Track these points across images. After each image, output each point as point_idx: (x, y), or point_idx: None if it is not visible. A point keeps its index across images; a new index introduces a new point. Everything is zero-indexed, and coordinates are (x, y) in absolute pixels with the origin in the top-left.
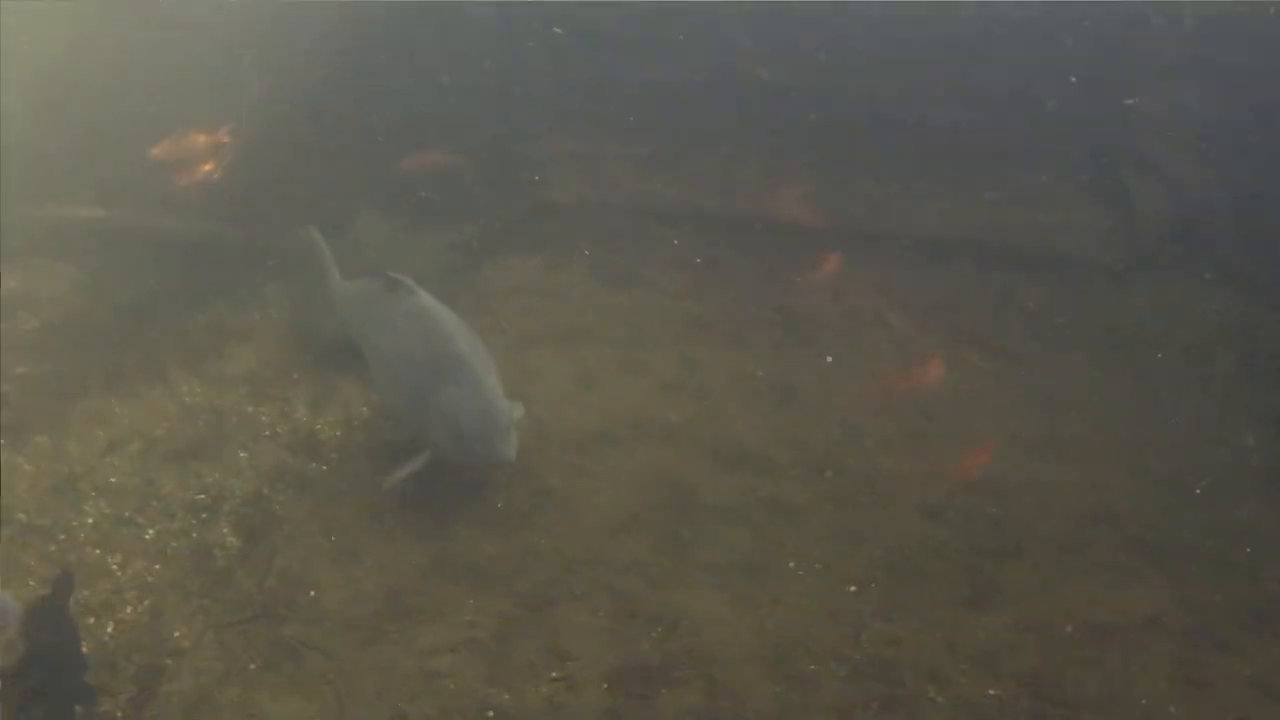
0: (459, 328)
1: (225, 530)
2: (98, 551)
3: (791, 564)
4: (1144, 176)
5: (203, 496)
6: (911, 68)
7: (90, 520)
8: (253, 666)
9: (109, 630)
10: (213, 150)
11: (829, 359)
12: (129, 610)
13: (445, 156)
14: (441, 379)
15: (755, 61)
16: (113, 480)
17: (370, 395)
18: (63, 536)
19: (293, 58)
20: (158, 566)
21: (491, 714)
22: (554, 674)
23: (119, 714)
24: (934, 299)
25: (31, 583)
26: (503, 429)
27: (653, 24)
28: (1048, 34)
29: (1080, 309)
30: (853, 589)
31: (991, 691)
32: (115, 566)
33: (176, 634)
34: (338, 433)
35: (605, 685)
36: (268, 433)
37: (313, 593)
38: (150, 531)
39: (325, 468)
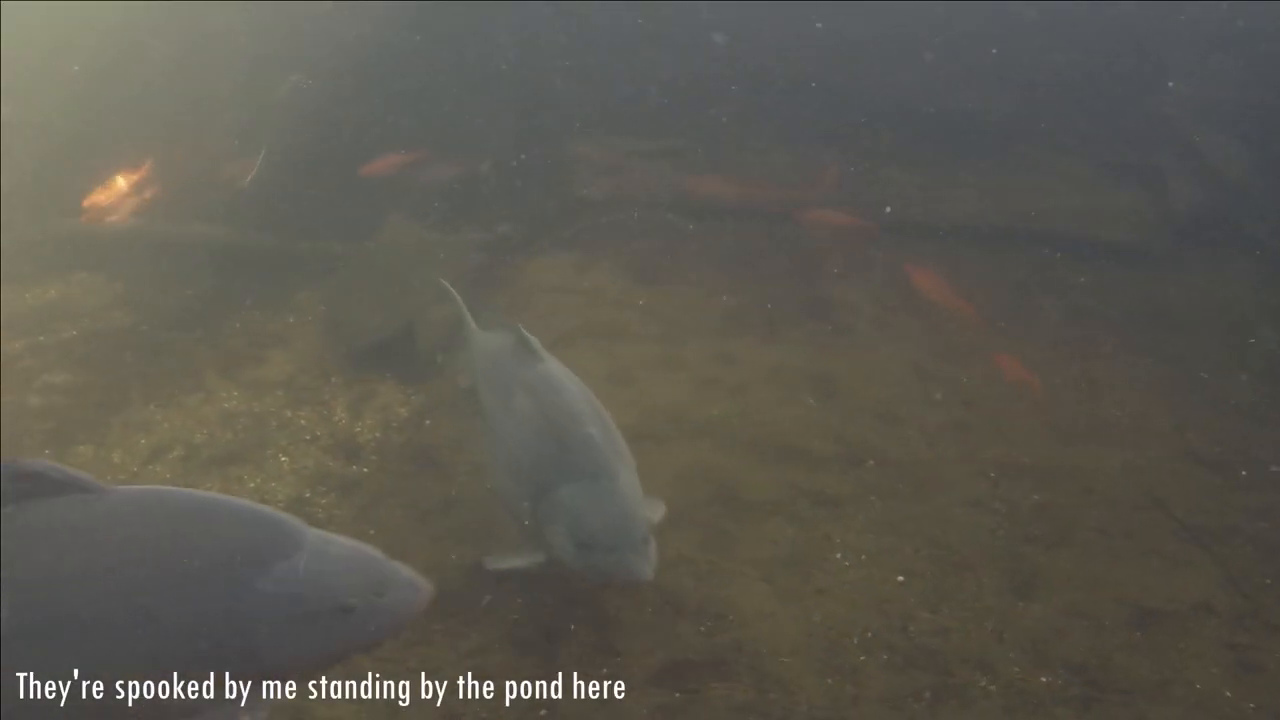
0: (590, 406)
1: None
2: None
3: (838, 555)
4: (1180, 159)
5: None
6: (941, 56)
7: None
8: None
9: None
10: (138, 187)
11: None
12: None
13: (409, 156)
14: (566, 470)
15: (781, 53)
16: None
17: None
18: None
19: (317, 63)
20: None
21: (544, 713)
22: (604, 670)
23: None
24: (969, 286)
25: None
26: (639, 540)
27: (679, 19)
28: (1080, 15)
29: (1118, 293)
30: (899, 579)
31: (1043, 679)
32: None
33: None
34: (377, 435)
35: (655, 680)
36: (308, 437)
37: None
38: None
39: (366, 470)
